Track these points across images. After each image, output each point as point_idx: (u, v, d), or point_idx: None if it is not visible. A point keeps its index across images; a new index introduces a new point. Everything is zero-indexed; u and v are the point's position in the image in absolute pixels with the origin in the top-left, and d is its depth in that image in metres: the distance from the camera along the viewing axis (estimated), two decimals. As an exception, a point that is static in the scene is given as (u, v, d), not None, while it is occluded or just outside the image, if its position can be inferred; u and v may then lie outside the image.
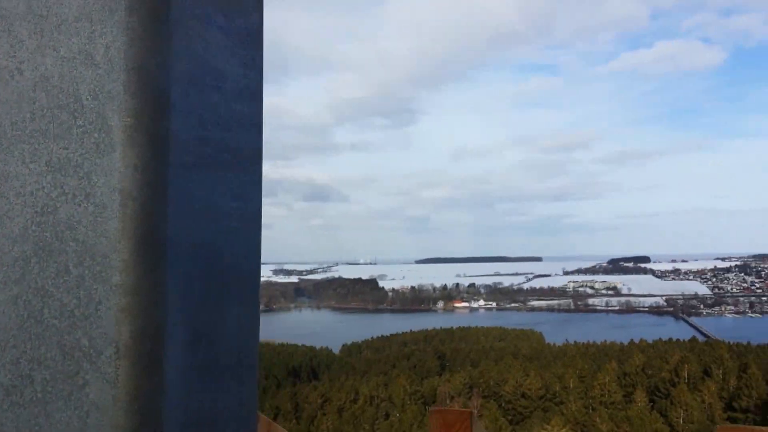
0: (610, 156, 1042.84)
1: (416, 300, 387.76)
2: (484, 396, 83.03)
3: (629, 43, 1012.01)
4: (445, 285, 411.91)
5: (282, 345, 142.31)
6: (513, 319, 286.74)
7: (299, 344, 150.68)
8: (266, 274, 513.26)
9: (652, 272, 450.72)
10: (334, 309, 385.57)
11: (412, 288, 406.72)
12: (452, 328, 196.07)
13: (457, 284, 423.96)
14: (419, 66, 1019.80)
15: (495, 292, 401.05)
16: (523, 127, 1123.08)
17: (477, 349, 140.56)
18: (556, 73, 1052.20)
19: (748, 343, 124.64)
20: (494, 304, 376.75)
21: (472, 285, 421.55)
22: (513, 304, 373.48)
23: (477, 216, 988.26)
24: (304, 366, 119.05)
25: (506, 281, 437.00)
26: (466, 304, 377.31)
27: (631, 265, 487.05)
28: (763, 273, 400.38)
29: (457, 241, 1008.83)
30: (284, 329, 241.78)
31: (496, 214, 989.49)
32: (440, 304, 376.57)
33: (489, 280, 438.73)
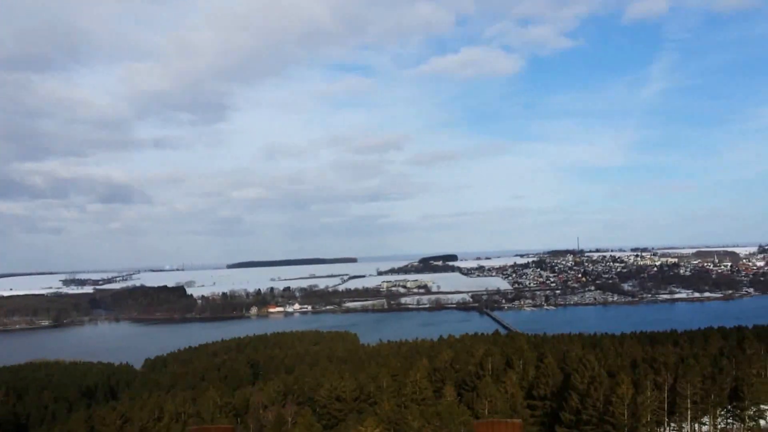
0: (422, 157, 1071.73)
1: (228, 307, 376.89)
2: (298, 402, 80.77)
3: (438, 48, 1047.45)
4: (259, 290, 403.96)
5: (74, 363, 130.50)
6: (329, 322, 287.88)
7: (95, 361, 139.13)
8: (54, 284, 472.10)
9: (460, 270, 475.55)
10: (136, 321, 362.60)
11: (224, 294, 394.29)
12: (266, 334, 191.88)
13: (272, 288, 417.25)
14: (228, 59, 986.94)
15: (310, 295, 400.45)
16: (336, 127, 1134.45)
17: (292, 355, 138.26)
18: (369, 73, 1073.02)
19: (545, 333, 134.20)
20: (309, 308, 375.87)
21: (287, 289, 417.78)
22: (328, 307, 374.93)
23: (291, 217, 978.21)
24: (101, 385, 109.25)
25: (321, 283, 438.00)
26: (281, 309, 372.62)
27: (440, 263, 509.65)
28: (557, 268, 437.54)
29: (271, 243, 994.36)
30: (77, 346, 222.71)
31: (311, 215, 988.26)
32: (254, 310, 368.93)
33: (304, 283, 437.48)
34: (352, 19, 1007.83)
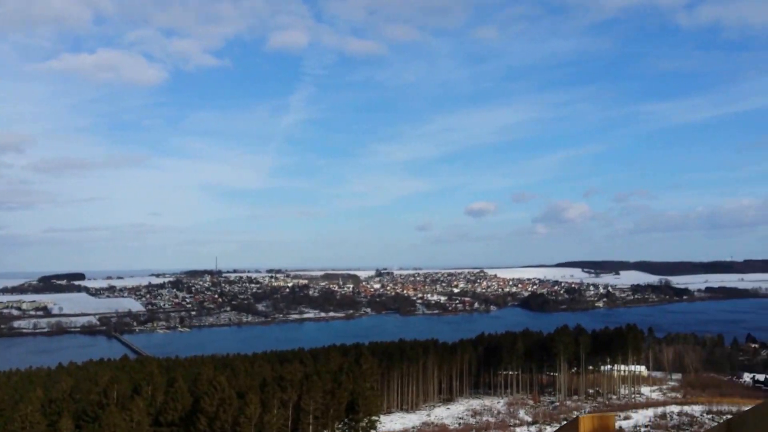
0: (48, 163, 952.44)
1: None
2: None
3: (72, 45, 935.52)
4: None
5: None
6: None
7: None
8: None
9: (87, 290, 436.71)
10: None
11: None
12: None
13: None
14: None
15: None
16: None
17: None
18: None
19: (177, 357, 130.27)
20: None
21: None
22: None
23: None
24: None
25: None
26: None
27: (64, 282, 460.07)
28: (193, 288, 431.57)
29: None
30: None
31: None
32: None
33: None
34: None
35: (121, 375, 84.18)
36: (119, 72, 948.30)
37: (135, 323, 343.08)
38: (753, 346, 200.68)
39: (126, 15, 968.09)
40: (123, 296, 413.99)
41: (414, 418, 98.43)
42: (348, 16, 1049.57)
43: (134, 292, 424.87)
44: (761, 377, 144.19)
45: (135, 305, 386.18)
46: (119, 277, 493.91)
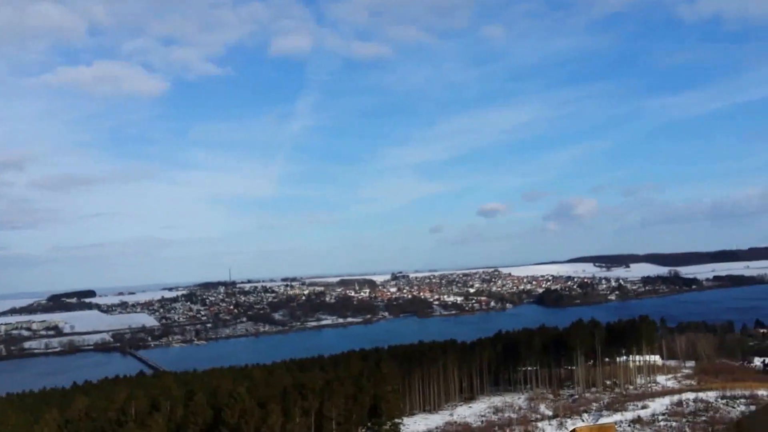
0: (50, 180, 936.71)
1: None
2: None
3: (66, 57, 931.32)
4: None
5: None
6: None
7: None
8: None
9: (99, 307, 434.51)
10: None
11: None
12: None
13: None
14: None
15: None
16: None
17: None
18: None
19: (195, 370, 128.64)
20: None
21: None
22: None
23: None
24: None
25: None
26: None
27: (74, 300, 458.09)
28: (207, 301, 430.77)
29: None
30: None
31: None
32: None
33: None
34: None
35: (138, 391, 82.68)
36: (118, 84, 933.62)
37: (149, 338, 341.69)
38: (762, 331, 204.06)
39: (122, 25, 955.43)
40: (136, 312, 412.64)
41: (437, 418, 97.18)
42: (351, 18, 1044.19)
43: (147, 307, 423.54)
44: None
45: (149, 320, 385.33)
46: (131, 293, 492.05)
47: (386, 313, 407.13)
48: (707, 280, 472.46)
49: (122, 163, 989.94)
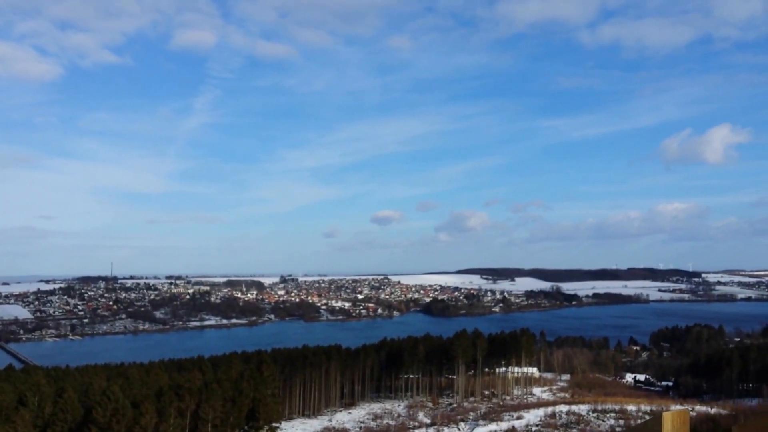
0: None
1: None
2: None
3: None
4: None
5: None
6: None
7: None
8: None
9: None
10: None
11: None
12: None
13: None
14: None
15: None
16: None
17: None
18: None
19: (67, 366, 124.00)
20: None
21: None
22: None
23: None
24: None
25: None
26: None
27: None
28: (86, 295, 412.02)
29: None
30: None
31: None
32: None
33: None
34: None
35: (4, 385, 79.30)
36: (8, 66, 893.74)
37: (22, 331, 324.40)
38: (635, 348, 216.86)
39: (16, 5, 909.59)
40: (9, 303, 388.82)
41: (315, 424, 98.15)
42: (258, 17, 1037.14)
43: (21, 298, 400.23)
44: (641, 377, 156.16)
45: (22, 312, 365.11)
46: (5, 283, 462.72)
47: (272, 316, 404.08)
48: (587, 296, 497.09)
49: (2, 149, 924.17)
